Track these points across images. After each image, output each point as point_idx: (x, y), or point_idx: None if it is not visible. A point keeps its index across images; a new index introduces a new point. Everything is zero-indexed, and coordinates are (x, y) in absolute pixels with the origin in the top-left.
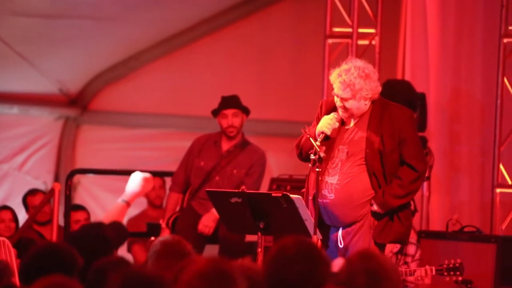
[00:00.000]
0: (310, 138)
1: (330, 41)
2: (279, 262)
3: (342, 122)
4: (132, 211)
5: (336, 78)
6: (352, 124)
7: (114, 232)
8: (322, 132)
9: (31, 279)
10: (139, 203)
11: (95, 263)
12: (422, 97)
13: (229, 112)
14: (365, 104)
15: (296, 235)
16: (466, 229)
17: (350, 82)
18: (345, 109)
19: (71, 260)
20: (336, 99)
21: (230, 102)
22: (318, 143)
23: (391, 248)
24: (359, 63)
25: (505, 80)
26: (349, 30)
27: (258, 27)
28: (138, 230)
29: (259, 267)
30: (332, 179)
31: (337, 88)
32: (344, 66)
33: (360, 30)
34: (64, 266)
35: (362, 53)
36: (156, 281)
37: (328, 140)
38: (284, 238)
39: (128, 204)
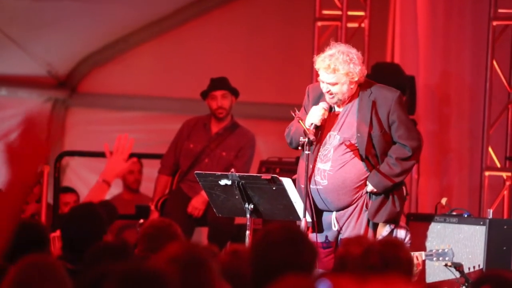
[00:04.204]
0: (300, 121)
1: (319, 23)
2: (265, 247)
3: (331, 109)
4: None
5: (321, 64)
6: (341, 109)
7: (104, 211)
8: (312, 124)
9: (8, 255)
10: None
11: (93, 246)
12: (411, 80)
13: (218, 93)
14: (351, 88)
15: (284, 219)
16: (455, 212)
17: (335, 67)
18: (331, 94)
19: (42, 234)
20: (322, 85)
21: (219, 83)
22: (308, 126)
23: (381, 231)
24: (343, 47)
25: (494, 63)
26: (339, 12)
27: (247, 10)
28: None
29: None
30: (324, 165)
31: (322, 74)
32: (328, 52)
33: (350, 13)
34: (37, 240)
35: (352, 35)
36: (157, 277)
37: (318, 129)
38: (271, 224)
39: (108, 184)
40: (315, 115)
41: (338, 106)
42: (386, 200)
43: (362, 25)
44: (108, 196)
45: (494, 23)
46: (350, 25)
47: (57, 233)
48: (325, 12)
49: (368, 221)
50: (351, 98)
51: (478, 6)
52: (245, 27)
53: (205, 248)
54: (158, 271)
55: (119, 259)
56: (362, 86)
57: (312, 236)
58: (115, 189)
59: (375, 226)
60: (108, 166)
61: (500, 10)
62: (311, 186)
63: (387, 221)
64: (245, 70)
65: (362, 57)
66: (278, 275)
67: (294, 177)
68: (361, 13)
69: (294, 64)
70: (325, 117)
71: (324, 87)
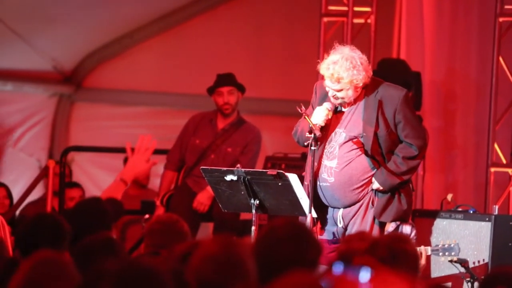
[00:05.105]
0: (306, 117)
1: (325, 19)
2: (269, 242)
3: (337, 108)
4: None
5: (325, 72)
6: (347, 107)
7: (111, 207)
8: (316, 124)
9: (25, 248)
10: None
11: (82, 241)
12: (417, 76)
13: (224, 89)
14: (357, 91)
15: (289, 215)
16: (460, 208)
17: (339, 75)
18: (336, 98)
19: (60, 228)
20: (327, 89)
21: (226, 79)
22: (316, 122)
23: (387, 227)
24: (346, 51)
25: (501, 59)
26: (345, 8)
27: (253, 5)
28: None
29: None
30: (331, 162)
31: (327, 80)
32: (332, 58)
33: (356, 9)
34: (54, 234)
35: (358, 31)
36: (153, 273)
37: (322, 129)
38: (275, 219)
39: (125, 183)
40: (319, 116)
41: (343, 106)
42: (392, 198)
43: (368, 21)
44: None
45: (501, 19)
46: (356, 21)
47: None
48: (331, 8)
49: (374, 218)
50: (357, 98)
51: (484, 3)
52: (251, 23)
53: (242, 245)
54: (153, 269)
55: (106, 255)
56: (368, 85)
57: (320, 232)
58: None
59: (381, 223)
60: (129, 166)
61: (506, 7)
62: (318, 183)
63: (394, 220)
64: (251, 65)
65: (367, 59)
66: (282, 271)
67: (303, 173)
68: (367, 9)
69: (299, 59)
70: (329, 117)
71: (329, 92)
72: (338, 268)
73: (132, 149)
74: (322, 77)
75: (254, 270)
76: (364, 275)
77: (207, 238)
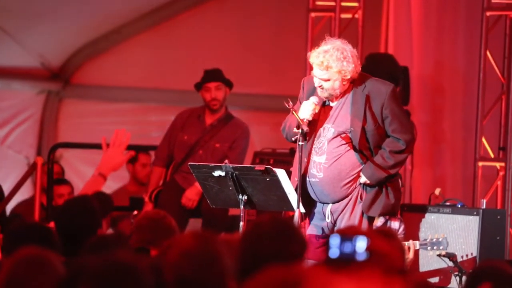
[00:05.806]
0: (293, 112)
1: (313, 14)
2: (254, 238)
3: (324, 103)
4: (114, 185)
5: (314, 59)
6: (335, 102)
7: (99, 203)
8: (303, 119)
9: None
10: (120, 178)
11: (91, 239)
12: (405, 71)
13: (212, 85)
14: (344, 85)
15: (277, 210)
16: (448, 202)
17: (329, 64)
18: (323, 89)
19: (49, 240)
20: (314, 79)
21: (213, 75)
22: (303, 117)
23: (375, 222)
24: (338, 43)
25: (488, 53)
26: (332, 3)
27: (241, 1)
28: (118, 204)
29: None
30: (320, 158)
31: (315, 69)
32: (323, 47)
33: (343, 4)
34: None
35: (345, 26)
36: (131, 269)
37: (310, 124)
38: (262, 215)
39: (104, 177)
40: (305, 110)
41: (331, 100)
42: (380, 193)
43: (356, 16)
44: (113, 188)
45: (488, 13)
46: (343, 16)
47: (51, 224)
48: (319, 3)
49: (363, 212)
50: (344, 93)
51: None
52: (239, 18)
53: (220, 241)
54: (132, 265)
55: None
56: (356, 79)
57: (309, 227)
58: (122, 180)
59: (370, 218)
60: (104, 160)
61: (493, 1)
62: (308, 178)
63: (382, 214)
64: (239, 61)
65: (357, 53)
66: (266, 265)
67: (291, 169)
68: (355, 4)
69: (288, 55)
70: (316, 111)
71: (316, 82)
72: (335, 240)
73: (108, 144)
74: (310, 73)
75: (232, 265)
76: (361, 244)
77: (184, 234)
